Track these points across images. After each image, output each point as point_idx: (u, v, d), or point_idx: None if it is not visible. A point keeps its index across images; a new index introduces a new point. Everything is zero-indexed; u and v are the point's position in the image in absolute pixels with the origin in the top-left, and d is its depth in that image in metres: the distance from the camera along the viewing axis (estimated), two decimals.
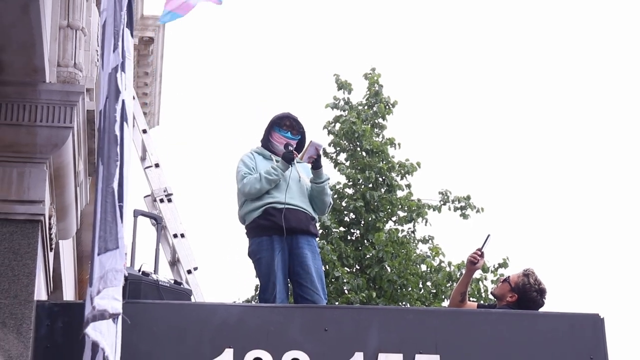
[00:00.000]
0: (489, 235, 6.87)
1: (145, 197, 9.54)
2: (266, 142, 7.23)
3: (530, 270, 6.74)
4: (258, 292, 7.05)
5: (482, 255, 6.83)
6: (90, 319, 4.85)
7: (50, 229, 6.18)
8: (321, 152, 7.03)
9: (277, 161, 7.03)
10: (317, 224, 7.28)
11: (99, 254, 4.83)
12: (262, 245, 6.85)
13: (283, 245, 6.81)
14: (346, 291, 14.65)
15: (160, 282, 6.66)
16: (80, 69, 6.45)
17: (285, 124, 7.22)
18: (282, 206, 6.85)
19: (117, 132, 5.12)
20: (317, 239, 7.19)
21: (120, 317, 4.90)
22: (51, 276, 6.62)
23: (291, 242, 6.84)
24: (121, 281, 4.81)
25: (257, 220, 6.90)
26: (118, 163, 5.04)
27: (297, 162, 7.08)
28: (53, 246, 6.45)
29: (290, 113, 7.34)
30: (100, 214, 4.91)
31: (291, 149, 7.01)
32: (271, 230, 6.84)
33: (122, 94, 5.24)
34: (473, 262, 6.83)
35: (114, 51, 5.27)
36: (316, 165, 7.01)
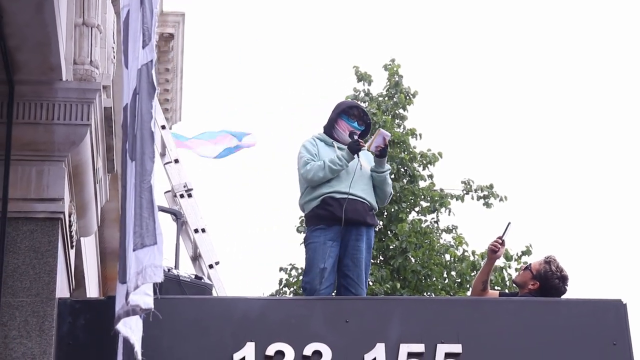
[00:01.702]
0: (509, 224, 6.84)
1: (165, 192, 9.58)
2: (329, 129, 7.19)
3: (552, 257, 6.70)
4: (302, 275, 7.06)
5: (502, 244, 6.80)
6: (122, 314, 4.88)
7: (70, 226, 6.20)
8: (387, 142, 7.00)
9: (340, 149, 7.01)
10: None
11: (134, 250, 4.84)
12: (316, 233, 6.85)
13: (338, 236, 6.79)
14: (370, 283, 14.65)
15: (181, 277, 6.69)
16: (97, 67, 6.46)
17: (354, 113, 7.19)
18: (340, 196, 6.84)
19: (153, 129, 5.14)
20: (376, 228, 7.15)
21: (145, 313, 4.93)
22: (73, 273, 6.64)
23: (347, 233, 6.83)
24: (161, 277, 4.84)
25: (315, 210, 6.90)
26: (155, 159, 5.07)
27: (362, 151, 7.04)
28: (74, 243, 6.47)
29: (359, 103, 7.38)
30: (135, 209, 4.92)
31: (357, 138, 6.98)
32: (328, 220, 6.82)
33: (157, 90, 5.27)
34: (494, 251, 6.80)
35: (143, 47, 5.27)
36: (382, 154, 6.98)
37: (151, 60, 5.23)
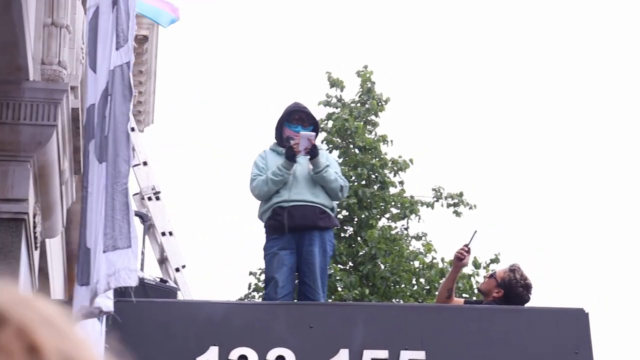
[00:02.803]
0: (475, 232, 6.87)
1: (133, 195, 9.53)
2: (279, 138, 7.20)
3: (516, 265, 6.74)
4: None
5: (468, 252, 6.83)
6: (80, 317, 4.83)
7: (34, 227, 6.16)
8: (314, 142, 6.96)
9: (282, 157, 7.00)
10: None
11: (105, 251, 4.79)
12: (270, 244, 6.89)
13: (291, 244, 6.81)
14: (339, 289, 14.65)
15: (145, 280, 6.66)
16: (65, 67, 6.43)
17: (295, 117, 7.17)
18: (287, 205, 6.85)
19: (129, 131, 5.10)
20: (332, 229, 7.11)
21: (105, 316, 4.90)
22: (37, 275, 6.60)
23: (299, 240, 6.84)
24: (136, 280, 4.80)
25: (268, 221, 6.95)
26: (130, 162, 5.03)
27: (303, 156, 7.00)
28: (38, 245, 6.43)
29: (299, 105, 7.27)
30: (106, 211, 4.88)
31: (292, 144, 6.94)
32: (279, 230, 6.84)
33: (134, 93, 5.23)
34: (460, 259, 6.82)
35: (117, 49, 5.22)
36: (311, 155, 6.97)
37: (127, 62, 5.19)
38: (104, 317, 4.96)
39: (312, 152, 6.93)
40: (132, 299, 4.83)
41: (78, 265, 5.11)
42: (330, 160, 7.19)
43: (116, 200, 4.86)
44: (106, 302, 4.82)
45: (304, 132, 6.95)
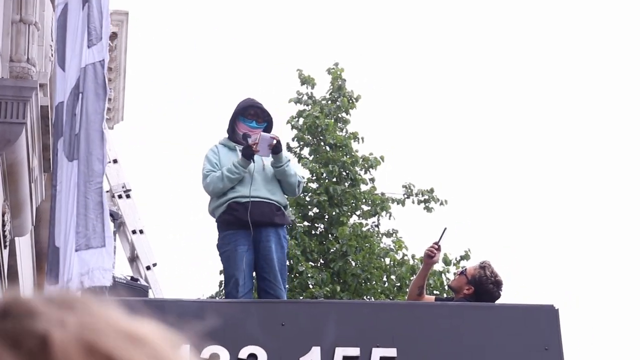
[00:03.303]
0: (445, 229, 6.89)
1: None
2: (231, 132, 7.18)
3: (487, 262, 6.77)
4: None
5: (439, 249, 6.85)
6: None
7: (3, 225, 6.12)
8: (274, 140, 6.93)
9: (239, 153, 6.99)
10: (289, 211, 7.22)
11: (77, 250, 4.75)
12: (226, 240, 6.86)
13: (248, 239, 6.79)
14: (310, 285, 14.65)
15: (116, 278, 6.62)
16: (34, 64, 6.39)
17: (250, 112, 7.16)
18: (245, 200, 6.83)
19: (104, 130, 5.05)
20: (286, 227, 7.13)
21: None
22: (6, 273, 6.55)
23: (256, 236, 6.83)
24: (110, 280, 4.76)
25: (222, 216, 6.91)
26: (105, 161, 4.97)
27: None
28: (7, 243, 6.38)
29: (254, 100, 7.26)
30: (78, 209, 4.83)
31: (250, 143, 6.94)
32: (235, 225, 6.83)
33: (109, 90, 5.19)
34: (430, 256, 6.84)
35: (89, 47, 5.18)
36: (276, 150, 6.96)
37: (101, 61, 5.15)
38: None
39: (277, 147, 6.94)
40: (109, 297, 4.79)
41: (47, 264, 5.08)
42: (289, 157, 7.23)
43: (89, 199, 4.82)
44: None
45: (264, 135, 6.93)
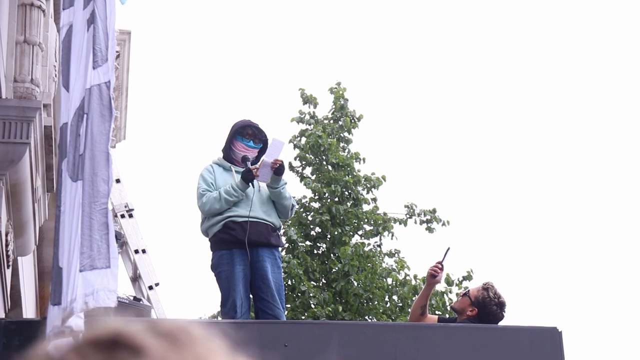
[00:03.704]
0: (449, 248, 6.89)
1: None
2: (227, 151, 7.21)
3: (490, 284, 6.75)
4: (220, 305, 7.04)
5: (442, 269, 6.84)
6: (52, 337, 4.79)
7: (6, 245, 6.12)
8: (277, 164, 6.97)
9: (238, 172, 7.01)
10: (283, 237, 7.27)
11: (82, 271, 4.74)
12: (222, 259, 6.85)
13: (244, 259, 6.79)
14: (312, 305, 14.63)
15: (119, 298, 6.61)
16: (38, 85, 6.40)
17: (248, 132, 7.20)
18: (241, 219, 6.85)
19: (109, 151, 5.05)
20: (281, 249, 7.16)
21: (81, 335, 4.85)
22: (9, 293, 6.55)
23: (252, 256, 6.83)
24: (115, 301, 4.75)
25: (218, 235, 6.91)
26: (110, 182, 4.98)
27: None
28: (10, 263, 6.38)
29: (251, 121, 7.30)
30: (83, 230, 4.82)
31: (249, 166, 6.97)
32: (231, 244, 6.83)
33: (114, 112, 5.20)
34: (433, 276, 6.83)
35: (94, 68, 5.19)
36: (279, 172, 6.98)
37: (107, 82, 5.15)
38: (79, 336, 4.92)
39: (280, 170, 6.98)
40: (111, 318, 4.76)
41: (52, 284, 5.07)
42: (285, 180, 7.26)
43: (94, 220, 4.81)
44: (77, 321, 4.78)
45: (266, 160, 6.97)
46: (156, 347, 0.94)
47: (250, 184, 6.95)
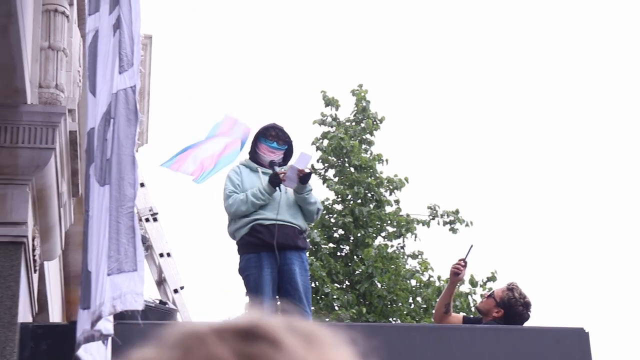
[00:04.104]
0: (472, 246, 6.88)
1: None
2: (253, 154, 7.26)
3: (514, 284, 6.74)
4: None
5: (465, 266, 6.84)
6: (82, 340, 4.82)
7: (33, 250, 6.15)
8: (303, 172, 7.01)
9: (265, 174, 7.05)
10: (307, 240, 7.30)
11: (109, 274, 4.76)
12: (250, 263, 6.87)
13: (272, 262, 6.81)
14: (336, 307, 14.64)
15: (145, 302, 6.63)
16: (62, 90, 6.42)
17: (271, 134, 7.26)
18: (269, 222, 6.87)
19: (135, 155, 5.08)
20: (307, 251, 7.19)
21: (110, 339, 4.88)
22: (36, 298, 6.58)
23: (280, 259, 6.85)
24: (142, 304, 4.78)
25: (245, 238, 6.93)
26: (136, 186, 5.01)
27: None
28: (37, 268, 6.41)
29: (275, 123, 7.37)
30: (110, 234, 4.85)
31: (276, 171, 7.01)
32: (259, 247, 6.85)
33: (140, 116, 5.23)
34: (456, 273, 6.83)
35: (120, 72, 5.22)
36: (304, 180, 7.01)
37: (133, 87, 5.18)
38: (108, 340, 4.95)
39: (306, 178, 7.01)
40: (138, 321, 4.78)
41: (82, 288, 5.10)
42: (311, 186, 7.28)
43: (121, 224, 4.83)
44: (106, 325, 4.81)
45: (294, 166, 7.01)
46: (293, 344, 0.96)
47: (277, 188, 6.98)
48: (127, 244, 4.78)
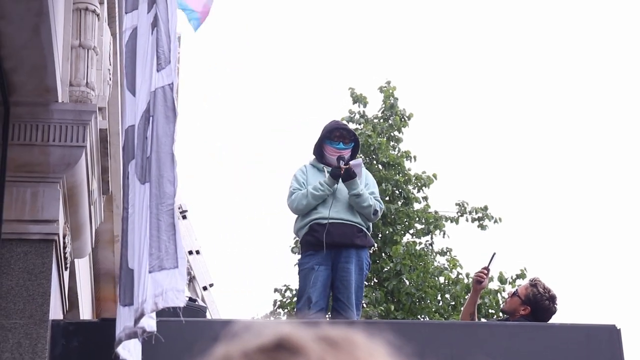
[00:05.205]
0: (494, 254, 6.87)
1: None
2: (319, 154, 7.31)
3: (537, 279, 6.72)
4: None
5: (487, 274, 6.83)
6: (123, 337, 4.85)
7: (64, 248, 6.19)
8: (347, 166, 7.04)
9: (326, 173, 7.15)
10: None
11: (151, 272, 4.79)
12: (306, 259, 7.02)
13: (327, 260, 6.90)
14: (364, 304, 14.64)
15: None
16: (93, 88, 6.46)
17: (335, 135, 7.30)
18: (326, 221, 6.92)
19: (174, 152, 5.11)
20: (370, 249, 7.23)
21: (145, 336, 4.90)
22: (67, 295, 6.63)
23: (335, 257, 6.93)
24: (184, 301, 4.81)
25: (305, 237, 7.07)
26: (176, 183, 5.03)
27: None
28: (68, 265, 6.46)
29: (338, 122, 7.48)
30: (151, 231, 4.87)
31: (342, 163, 7.05)
32: (316, 246, 6.95)
33: (178, 113, 5.27)
34: (479, 281, 6.81)
35: (158, 70, 5.26)
36: (345, 178, 7.03)
37: (170, 84, 5.21)
38: (143, 337, 4.97)
39: (347, 175, 7.01)
40: (180, 318, 4.79)
41: (120, 285, 5.12)
42: (369, 180, 7.28)
43: (161, 221, 4.86)
44: (149, 322, 4.84)
45: (354, 162, 7.09)
46: (314, 349, 1.00)
47: (338, 182, 7.00)
48: (168, 241, 4.80)
